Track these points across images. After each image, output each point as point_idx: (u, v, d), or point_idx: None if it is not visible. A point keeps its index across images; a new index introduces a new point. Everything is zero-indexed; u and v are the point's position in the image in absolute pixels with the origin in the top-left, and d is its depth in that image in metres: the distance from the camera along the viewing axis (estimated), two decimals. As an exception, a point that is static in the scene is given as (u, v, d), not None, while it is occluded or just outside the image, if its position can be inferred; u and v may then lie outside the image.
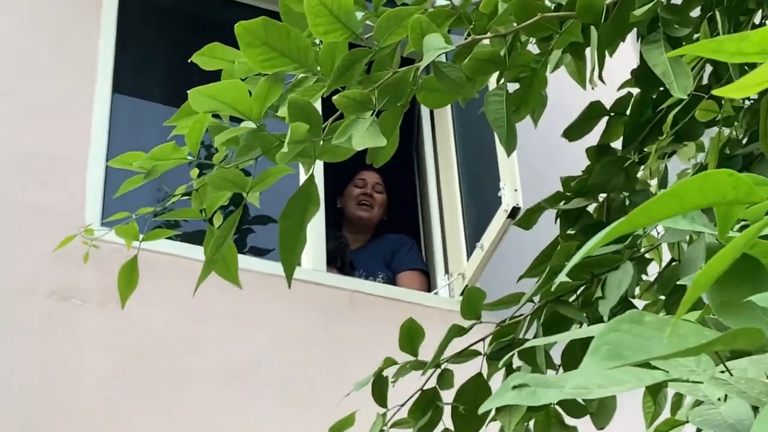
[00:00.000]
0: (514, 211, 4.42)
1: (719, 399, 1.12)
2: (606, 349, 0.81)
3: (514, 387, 0.92)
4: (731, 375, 1.02)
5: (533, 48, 2.28)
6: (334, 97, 1.94)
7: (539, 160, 5.00)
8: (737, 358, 1.13)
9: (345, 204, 5.63)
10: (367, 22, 2.11)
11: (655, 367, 0.98)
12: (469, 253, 4.91)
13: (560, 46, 2.12)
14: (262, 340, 4.46)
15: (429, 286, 5.25)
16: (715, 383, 0.95)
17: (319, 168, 4.84)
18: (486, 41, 2.15)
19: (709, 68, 2.54)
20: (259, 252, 4.97)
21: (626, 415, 2.50)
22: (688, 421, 1.07)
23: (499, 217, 4.58)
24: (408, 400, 2.37)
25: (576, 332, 0.99)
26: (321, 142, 1.98)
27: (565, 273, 0.95)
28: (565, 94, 3.24)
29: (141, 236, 2.21)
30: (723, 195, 0.78)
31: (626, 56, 2.94)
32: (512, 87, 2.20)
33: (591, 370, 0.80)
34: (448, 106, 5.38)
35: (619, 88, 2.65)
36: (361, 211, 5.55)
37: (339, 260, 5.19)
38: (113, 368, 4.17)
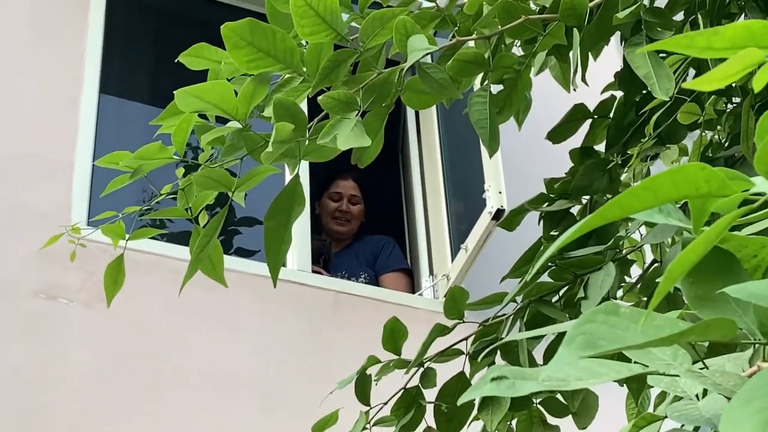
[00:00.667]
0: (499, 213, 4.43)
1: (697, 395, 1.13)
2: (581, 339, 0.82)
3: (493, 379, 0.93)
4: (708, 369, 1.03)
5: (519, 51, 2.29)
6: (320, 98, 1.94)
7: (524, 163, 5.01)
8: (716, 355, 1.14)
9: (321, 215, 5.62)
10: (353, 23, 2.12)
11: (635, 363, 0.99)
12: (454, 254, 4.92)
13: (544, 48, 2.13)
14: (247, 340, 4.46)
15: (413, 285, 5.26)
16: (691, 376, 0.96)
17: (304, 168, 4.85)
18: (471, 43, 2.16)
19: (692, 72, 2.55)
20: (246, 253, 4.98)
21: (609, 416, 2.51)
22: (666, 416, 1.08)
23: (484, 219, 4.58)
24: (391, 398, 2.38)
25: (556, 326, 0.99)
26: (306, 142, 1.98)
27: (539, 265, 0.96)
28: (549, 97, 3.25)
29: (127, 235, 2.21)
30: (696, 188, 0.79)
31: (610, 59, 2.95)
32: (496, 89, 2.20)
33: (566, 359, 0.81)
34: (434, 108, 5.39)
35: (602, 91, 2.66)
36: (337, 225, 5.57)
37: (322, 260, 5.21)
38: (99, 367, 4.17)
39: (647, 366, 0.99)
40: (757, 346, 0.95)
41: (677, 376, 0.99)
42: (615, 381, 0.95)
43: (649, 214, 0.85)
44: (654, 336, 0.81)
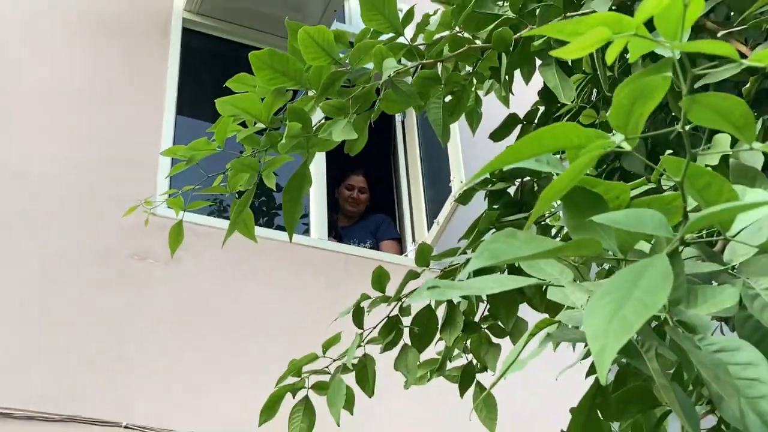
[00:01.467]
0: (461, 197, 4.42)
1: (582, 306, 1.10)
2: (487, 253, 0.79)
3: (429, 288, 0.91)
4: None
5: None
6: (321, 104, 1.92)
7: (477, 159, 4.99)
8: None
9: (339, 199, 5.81)
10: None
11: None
12: (429, 227, 4.92)
13: (483, 69, 2.10)
14: (280, 291, 4.46)
15: (401, 249, 5.29)
16: (573, 285, 0.93)
17: (321, 163, 4.85)
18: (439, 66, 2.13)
19: (595, 92, 2.52)
20: (282, 228, 4.97)
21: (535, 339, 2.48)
22: (558, 320, 1.05)
23: (450, 201, 4.59)
24: (378, 324, 2.36)
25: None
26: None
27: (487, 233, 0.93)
28: (495, 112, 3.22)
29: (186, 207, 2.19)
30: (570, 141, 0.77)
31: (539, 83, 2.92)
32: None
33: (475, 265, 0.78)
34: (414, 123, 5.39)
35: (532, 106, 2.63)
36: (350, 207, 5.76)
37: (333, 231, 5.31)
38: (173, 310, 4.17)
39: (542, 280, 0.97)
40: (617, 262, 0.92)
41: (562, 286, 0.96)
42: (515, 289, 0.92)
43: (535, 164, 0.82)
44: (539, 250, 0.78)
